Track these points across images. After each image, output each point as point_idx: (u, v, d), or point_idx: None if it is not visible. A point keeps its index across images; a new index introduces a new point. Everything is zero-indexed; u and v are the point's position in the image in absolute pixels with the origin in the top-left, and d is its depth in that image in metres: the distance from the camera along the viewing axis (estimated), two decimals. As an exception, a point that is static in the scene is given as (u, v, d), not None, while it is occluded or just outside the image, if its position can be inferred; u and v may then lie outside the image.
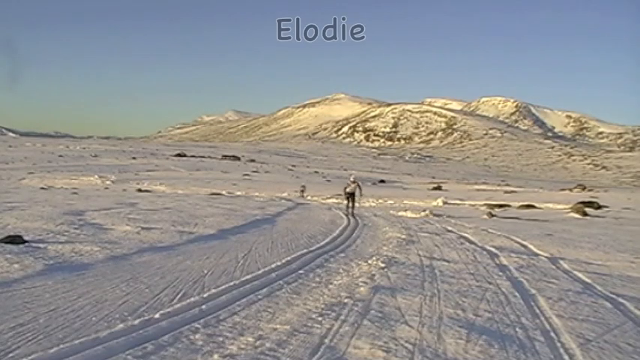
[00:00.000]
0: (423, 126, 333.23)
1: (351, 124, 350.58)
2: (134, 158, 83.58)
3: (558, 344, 4.20)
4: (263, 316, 4.67)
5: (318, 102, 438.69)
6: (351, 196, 17.48)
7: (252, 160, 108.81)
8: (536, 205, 26.97)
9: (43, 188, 29.88)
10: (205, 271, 6.50)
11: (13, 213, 11.16)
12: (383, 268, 7.10)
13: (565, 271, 7.36)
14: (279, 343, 3.98)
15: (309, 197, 33.69)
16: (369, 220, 15.48)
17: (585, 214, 19.98)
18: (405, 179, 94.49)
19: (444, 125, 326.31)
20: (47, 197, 18.34)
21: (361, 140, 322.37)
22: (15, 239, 7.46)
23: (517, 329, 4.54)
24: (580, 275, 7.06)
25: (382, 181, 79.89)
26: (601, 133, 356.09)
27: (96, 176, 50.27)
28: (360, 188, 17.64)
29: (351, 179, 17.99)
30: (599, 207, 24.06)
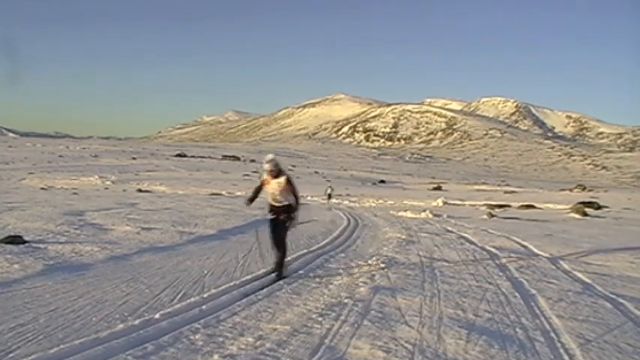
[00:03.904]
0: (423, 126, 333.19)
1: (351, 125, 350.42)
2: (134, 158, 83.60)
3: (558, 344, 4.20)
4: (263, 317, 4.67)
5: (318, 102, 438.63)
6: (281, 215, 6.82)
7: (253, 161, 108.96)
8: (537, 205, 26.98)
9: (43, 188, 29.89)
10: (205, 272, 6.50)
11: (13, 213, 11.15)
12: (383, 269, 7.10)
13: (565, 272, 7.36)
14: (279, 343, 3.98)
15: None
16: (369, 221, 15.48)
17: (585, 214, 19.99)
18: (405, 179, 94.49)
19: (444, 125, 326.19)
20: (47, 197, 18.33)
21: (361, 140, 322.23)
22: (15, 239, 7.46)
23: (517, 329, 4.53)
24: (580, 275, 7.05)
25: (382, 182, 79.93)
26: (601, 133, 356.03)
27: (96, 176, 50.28)
28: (293, 187, 6.77)
29: (266, 166, 6.72)
30: (599, 207, 24.08)
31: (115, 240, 8.42)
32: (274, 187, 6.76)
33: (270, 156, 6.89)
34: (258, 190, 6.98)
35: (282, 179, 6.73)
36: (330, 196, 30.18)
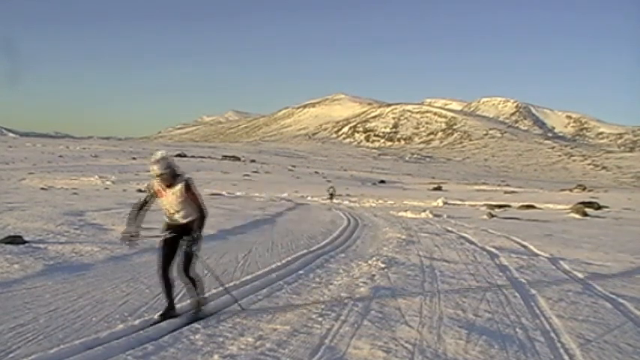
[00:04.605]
0: (423, 126, 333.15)
1: (351, 125, 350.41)
2: (134, 159, 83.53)
3: (558, 344, 4.19)
4: (263, 317, 4.67)
5: (318, 102, 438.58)
6: (182, 237, 4.64)
7: (253, 161, 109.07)
8: (537, 205, 26.97)
9: (43, 189, 29.87)
10: (205, 272, 6.48)
11: (13, 213, 11.15)
12: (383, 269, 7.10)
13: (565, 272, 7.36)
14: (279, 343, 3.97)
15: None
16: (369, 221, 15.47)
17: (585, 214, 19.99)
18: (405, 179, 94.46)
19: (444, 125, 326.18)
20: (47, 198, 18.33)
21: (361, 141, 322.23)
22: (15, 239, 7.47)
23: (517, 329, 4.53)
24: (580, 275, 7.05)
25: (382, 182, 79.90)
26: (601, 133, 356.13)
27: (96, 176, 50.25)
28: (195, 196, 4.61)
29: (154, 169, 4.50)
30: (599, 207, 24.07)
31: (115, 240, 8.41)
32: (170, 199, 4.55)
33: (159, 154, 4.56)
34: (141, 208, 4.63)
35: (178, 187, 4.52)
36: (332, 196, 31.50)
